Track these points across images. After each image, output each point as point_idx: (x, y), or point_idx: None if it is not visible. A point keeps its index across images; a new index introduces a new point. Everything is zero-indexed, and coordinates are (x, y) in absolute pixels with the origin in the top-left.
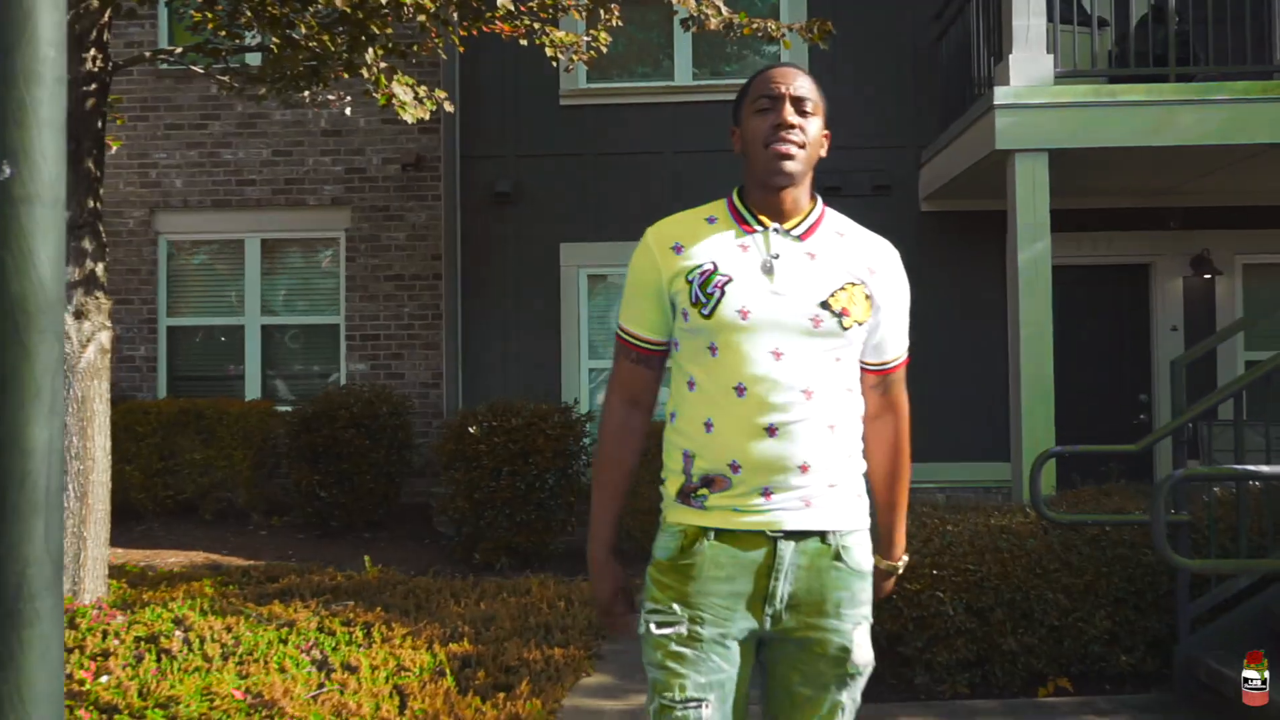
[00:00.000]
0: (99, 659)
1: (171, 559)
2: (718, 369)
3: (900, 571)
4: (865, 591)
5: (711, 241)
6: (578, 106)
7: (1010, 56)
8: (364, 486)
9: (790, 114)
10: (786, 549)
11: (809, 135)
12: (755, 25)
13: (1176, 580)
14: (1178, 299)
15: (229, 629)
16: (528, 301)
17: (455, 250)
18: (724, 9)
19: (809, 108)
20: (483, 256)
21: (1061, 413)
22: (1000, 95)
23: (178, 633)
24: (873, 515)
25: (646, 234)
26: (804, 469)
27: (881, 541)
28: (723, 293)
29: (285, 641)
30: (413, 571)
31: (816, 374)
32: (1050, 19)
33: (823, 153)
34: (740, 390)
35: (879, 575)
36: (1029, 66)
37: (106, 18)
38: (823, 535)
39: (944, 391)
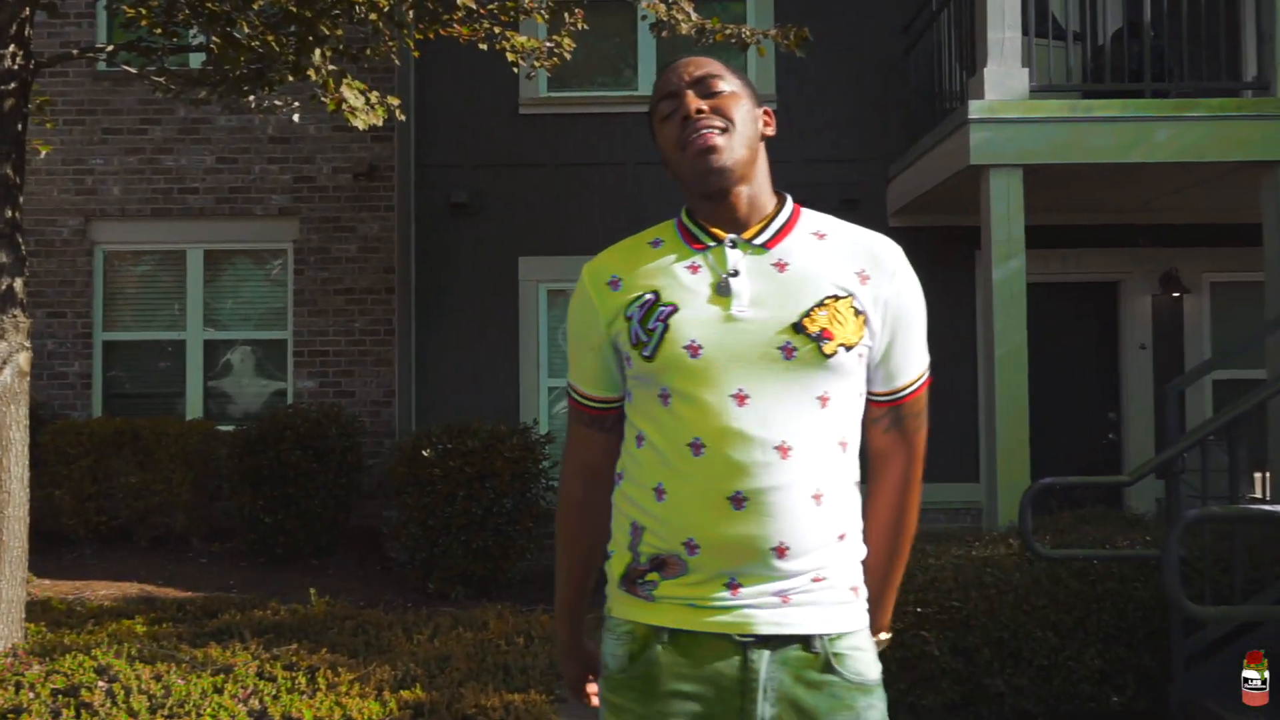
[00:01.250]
0: (9, 717)
1: (103, 590)
2: (669, 421)
3: (882, 648)
4: (875, 710)
5: (653, 267)
6: (538, 115)
7: (985, 70)
8: (311, 511)
9: (695, 101)
10: (761, 659)
11: (732, 115)
12: (729, 31)
13: (1169, 617)
14: (1146, 317)
15: (158, 678)
16: (485, 317)
17: (409, 263)
18: (694, 14)
19: (720, 86)
20: (438, 270)
21: (1029, 431)
22: (974, 109)
23: (101, 683)
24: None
25: (582, 272)
26: (780, 552)
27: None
28: (666, 326)
29: (220, 691)
30: (363, 602)
31: (794, 423)
32: (1025, 32)
33: (768, 131)
34: (696, 447)
35: None
36: (1004, 80)
37: (27, 11)
38: (806, 641)
39: None
